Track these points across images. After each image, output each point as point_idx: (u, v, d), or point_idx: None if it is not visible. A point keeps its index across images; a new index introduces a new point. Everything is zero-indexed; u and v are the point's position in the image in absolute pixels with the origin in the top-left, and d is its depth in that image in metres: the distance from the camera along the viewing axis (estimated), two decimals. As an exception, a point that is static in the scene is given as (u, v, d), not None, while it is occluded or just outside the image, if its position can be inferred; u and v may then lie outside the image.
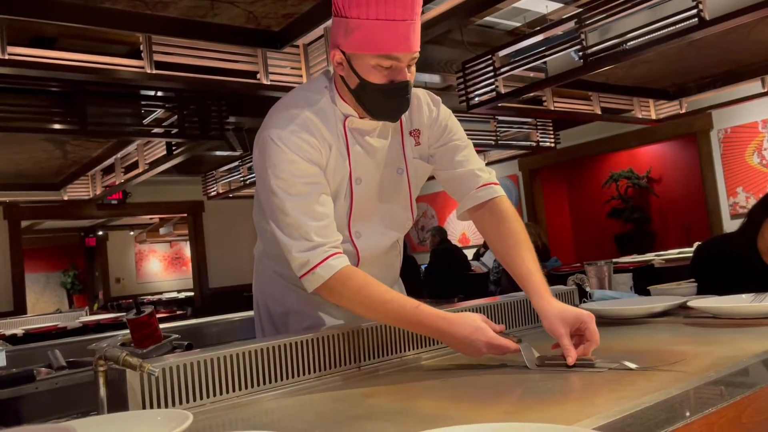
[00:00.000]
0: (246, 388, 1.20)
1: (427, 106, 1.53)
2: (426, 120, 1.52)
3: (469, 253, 7.84)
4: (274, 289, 1.66)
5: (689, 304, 1.62)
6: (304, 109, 1.38)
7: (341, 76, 1.38)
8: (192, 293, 9.75)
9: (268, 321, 1.66)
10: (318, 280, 1.30)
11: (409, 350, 1.43)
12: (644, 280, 2.37)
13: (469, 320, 1.24)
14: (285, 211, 1.32)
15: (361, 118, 1.43)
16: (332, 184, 1.41)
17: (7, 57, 3.06)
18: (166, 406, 1.09)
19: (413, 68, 1.37)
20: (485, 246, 7.45)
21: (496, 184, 1.52)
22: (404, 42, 1.30)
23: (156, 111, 4.54)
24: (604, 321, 1.71)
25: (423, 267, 7.40)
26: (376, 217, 1.51)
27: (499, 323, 1.62)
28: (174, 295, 11.35)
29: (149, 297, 11.33)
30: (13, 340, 3.58)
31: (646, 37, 3.63)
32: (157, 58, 3.44)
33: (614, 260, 5.06)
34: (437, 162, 1.55)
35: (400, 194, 1.53)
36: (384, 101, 1.37)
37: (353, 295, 1.30)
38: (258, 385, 1.21)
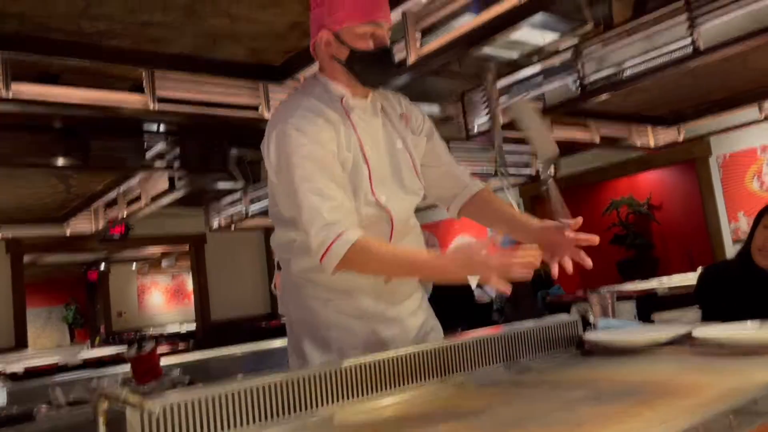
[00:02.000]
0: (248, 424, 1.18)
1: (408, 102, 1.70)
2: (413, 111, 1.68)
3: (472, 281, 7.80)
4: (309, 302, 1.62)
5: (694, 334, 1.61)
6: (304, 98, 1.52)
7: (331, 55, 1.52)
8: (194, 326, 9.70)
9: (309, 339, 1.61)
10: (336, 257, 1.36)
11: (410, 383, 1.42)
12: (648, 307, 2.36)
13: (467, 250, 1.35)
14: (302, 192, 1.40)
15: (353, 96, 1.55)
16: (348, 155, 1.49)
17: (11, 96, 3.09)
18: (167, 445, 1.08)
19: (388, 36, 1.54)
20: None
21: (473, 178, 1.72)
22: (381, 10, 1.49)
23: (158, 144, 4.58)
24: (608, 351, 1.69)
25: (425, 296, 7.35)
26: (391, 182, 1.58)
27: (503, 354, 1.61)
28: (176, 327, 11.28)
29: (151, 330, 11.27)
30: (13, 378, 3.55)
31: (643, 66, 3.67)
32: (160, 93, 3.48)
33: (617, 287, 5.04)
34: (427, 155, 1.67)
35: (405, 163, 1.62)
36: (373, 66, 1.52)
37: (371, 259, 1.39)
38: (260, 420, 1.20)
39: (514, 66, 4.32)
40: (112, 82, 3.81)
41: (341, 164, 1.47)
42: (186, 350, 5.22)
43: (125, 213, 6.20)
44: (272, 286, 1.90)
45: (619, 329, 1.83)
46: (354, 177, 1.49)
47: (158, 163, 4.65)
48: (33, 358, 4.37)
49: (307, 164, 1.41)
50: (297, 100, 1.52)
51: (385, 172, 1.57)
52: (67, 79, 3.70)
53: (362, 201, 1.50)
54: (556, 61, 3.94)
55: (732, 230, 6.46)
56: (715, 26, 3.23)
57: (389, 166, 1.58)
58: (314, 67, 3.74)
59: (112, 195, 6.30)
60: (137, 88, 3.58)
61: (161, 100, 3.49)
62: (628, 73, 3.80)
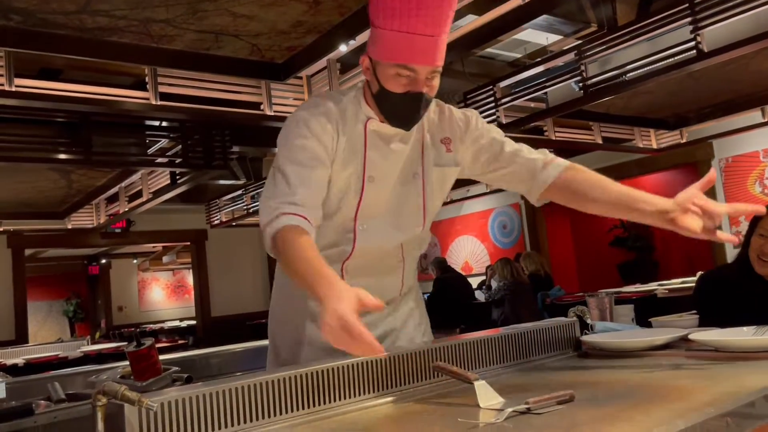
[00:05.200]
0: (246, 422, 1.19)
1: (464, 116, 1.60)
2: (463, 128, 1.58)
3: (474, 281, 7.81)
4: (291, 315, 1.65)
5: (690, 337, 1.61)
6: (329, 102, 1.48)
7: (367, 80, 1.47)
8: (194, 321, 9.73)
9: (283, 350, 1.65)
10: (276, 226, 1.30)
11: (407, 384, 1.43)
12: (646, 310, 2.36)
13: (338, 290, 1.12)
14: (285, 173, 1.38)
15: (382, 122, 1.50)
16: (340, 176, 1.47)
17: (14, 89, 3.10)
18: (164, 442, 1.08)
19: (436, 80, 1.43)
20: (492, 276, 7.43)
21: (554, 160, 1.57)
22: (422, 55, 1.37)
23: (160, 141, 4.59)
24: (605, 354, 1.70)
25: (426, 296, 7.37)
26: (384, 216, 1.54)
27: (501, 355, 1.61)
28: (176, 323, 11.31)
29: (151, 326, 11.29)
30: (13, 370, 3.57)
31: (646, 69, 3.68)
32: (162, 89, 3.49)
33: (617, 290, 5.04)
34: (487, 164, 1.59)
35: (412, 197, 1.57)
36: (398, 109, 1.44)
37: (284, 248, 1.28)
38: (258, 419, 1.21)
39: (516, 66, 4.33)
40: (115, 79, 3.83)
41: (334, 172, 1.46)
42: (186, 346, 5.23)
43: (126, 208, 6.22)
44: None
45: (617, 332, 1.84)
46: (341, 200, 1.48)
47: (160, 160, 4.66)
48: (34, 351, 4.39)
49: (300, 152, 1.41)
50: (324, 98, 1.50)
51: (380, 209, 1.53)
52: (69, 75, 3.72)
53: (339, 220, 1.49)
54: (559, 62, 3.94)
55: (733, 233, 6.46)
56: (718, 29, 3.23)
57: (389, 200, 1.54)
58: (317, 65, 3.77)
59: (113, 190, 6.31)
60: (140, 84, 3.59)
61: (163, 96, 3.50)
62: (631, 75, 3.81)
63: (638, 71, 3.74)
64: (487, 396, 1.20)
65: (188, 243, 9.47)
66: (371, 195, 1.50)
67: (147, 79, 3.47)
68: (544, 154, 1.58)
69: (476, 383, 1.21)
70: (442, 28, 1.37)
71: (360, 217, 1.50)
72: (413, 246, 1.64)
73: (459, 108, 1.66)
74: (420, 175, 1.57)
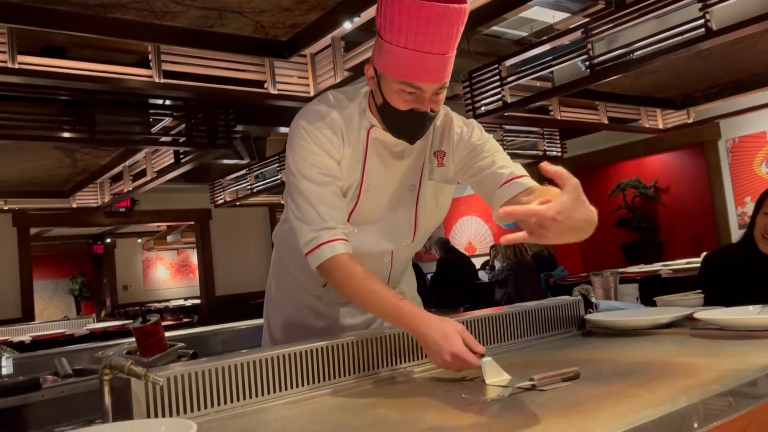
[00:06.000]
0: (251, 397, 1.20)
1: (459, 128, 1.53)
2: (455, 141, 1.52)
3: (477, 262, 7.82)
4: (286, 297, 1.69)
5: (695, 315, 1.61)
6: (333, 110, 1.46)
7: (372, 90, 1.45)
8: (199, 301, 9.78)
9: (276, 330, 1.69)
10: (321, 257, 1.36)
11: (411, 361, 1.43)
12: (651, 290, 2.36)
13: (443, 326, 1.24)
14: (303, 193, 1.40)
15: (385, 130, 1.48)
16: (343, 183, 1.47)
17: (17, 66, 3.09)
18: (171, 416, 1.09)
19: (442, 95, 1.39)
20: (496, 256, 7.43)
21: (520, 177, 1.43)
22: (429, 74, 1.33)
23: (164, 120, 4.57)
24: (610, 332, 1.70)
25: (429, 276, 7.39)
26: (375, 225, 1.54)
27: (505, 333, 1.62)
28: (181, 302, 11.38)
29: (156, 304, 11.37)
30: (20, 347, 3.60)
31: (654, 47, 3.63)
32: (166, 67, 3.47)
33: (621, 270, 5.04)
34: (467, 171, 1.53)
35: (406, 209, 1.56)
36: (401, 125, 1.42)
37: (345, 280, 1.35)
38: (263, 394, 1.21)
39: (522, 45, 4.28)
40: (118, 56, 3.80)
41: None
42: (191, 324, 5.26)
43: (131, 187, 6.22)
44: None
45: (621, 311, 1.84)
46: None
47: (164, 139, 4.65)
48: (40, 328, 4.42)
49: (313, 169, 1.41)
50: (329, 106, 1.47)
51: (372, 216, 1.53)
52: (72, 53, 3.69)
53: None
54: (565, 40, 3.89)
55: (738, 215, 6.44)
56: (728, 7, 3.18)
57: (382, 210, 1.54)
58: (321, 43, 3.73)
59: (117, 169, 6.31)
60: (143, 62, 3.57)
61: (167, 74, 3.47)
62: (638, 53, 3.76)
63: (646, 50, 3.69)
64: (493, 372, 1.20)
65: (192, 222, 9.49)
66: (366, 203, 1.50)
67: (150, 56, 3.45)
68: (512, 168, 1.46)
69: (483, 360, 1.21)
70: (452, 45, 1.32)
71: (351, 222, 1.49)
72: (403, 255, 1.65)
73: (466, 116, 1.61)
74: (416, 188, 1.56)
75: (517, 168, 1.47)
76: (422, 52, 1.29)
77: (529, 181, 1.43)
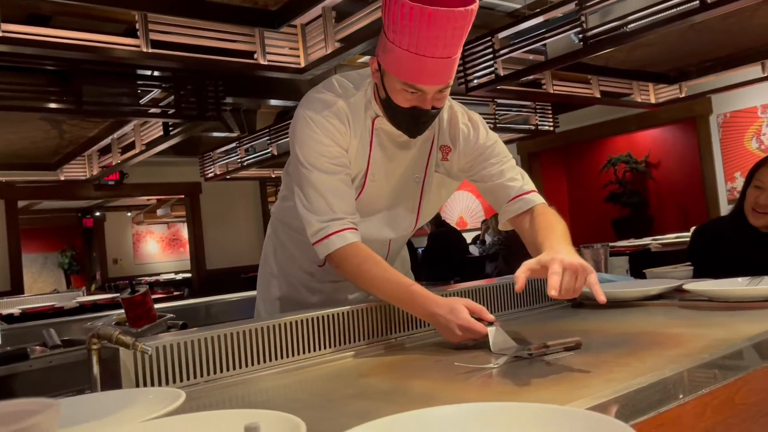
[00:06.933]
0: (241, 367, 1.20)
1: (465, 126, 1.54)
2: (461, 141, 1.53)
3: (468, 237, 7.84)
4: (281, 273, 1.70)
5: (685, 287, 1.62)
6: (339, 98, 1.45)
7: (375, 83, 1.44)
8: (189, 274, 9.77)
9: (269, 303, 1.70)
10: (330, 247, 1.36)
11: (403, 331, 1.44)
12: (641, 263, 2.37)
13: (449, 302, 1.27)
14: (312, 183, 1.39)
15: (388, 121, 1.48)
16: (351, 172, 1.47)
17: (1, 34, 3.02)
18: (160, 385, 1.09)
19: (445, 93, 1.39)
20: (487, 231, 7.45)
21: (529, 193, 1.50)
22: (431, 77, 1.32)
23: (152, 91, 4.50)
24: (599, 304, 1.70)
25: (420, 250, 7.41)
26: (378, 214, 1.55)
27: (495, 305, 1.62)
28: (171, 276, 11.37)
29: (147, 278, 11.35)
30: (9, 319, 3.59)
31: (647, 20, 3.60)
32: (153, 36, 3.40)
33: (611, 244, 5.06)
34: (474, 175, 1.56)
35: (410, 200, 1.58)
36: (403, 121, 1.43)
37: (354, 268, 1.36)
38: (253, 364, 1.21)
39: (515, 17, 4.23)
40: (105, 26, 3.73)
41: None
42: (181, 297, 5.26)
43: (119, 160, 6.16)
44: None
45: (611, 283, 1.84)
46: None
47: (152, 110, 4.59)
48: (29, 301, 4.41)
49: (322, 158, 1.40)
50: (334, 93, 1.45)
51: (378, 204, 1.54)
52: (58, 21, 3.61)
53: None
54: (558, 12, 3.85)
55: (728, 190, 6.47)
56: (722, -21, 3.15)
57: (386, 199, 1.54)
58: (312, 13, 3.67)
59: (106, 141, 6.24)
60: (130, 32, 3.50)
61: (154, 44, 3.41)
62: (632, 26, 3.73)
63: (639, 22, 3.66)
64: (500, 341, 1.21)
65: (182, 196, 9.43)
66: (370, 193, 1.51)
67: (137, 25, 3.38)
68: (521, 182, 1.52)
69: (489, 328, 1.22)
70: (456, 48, 1.31)
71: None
72: (402, 241, 1.67)
73: (465, 106, 1.60)
74: (421, 179, 1.57)
75: (526, 180, 1.54)
76: (425, 56, 1.28)
77: (537, 198, 1.50)
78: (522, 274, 1.17)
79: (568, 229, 1.37)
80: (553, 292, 1.10)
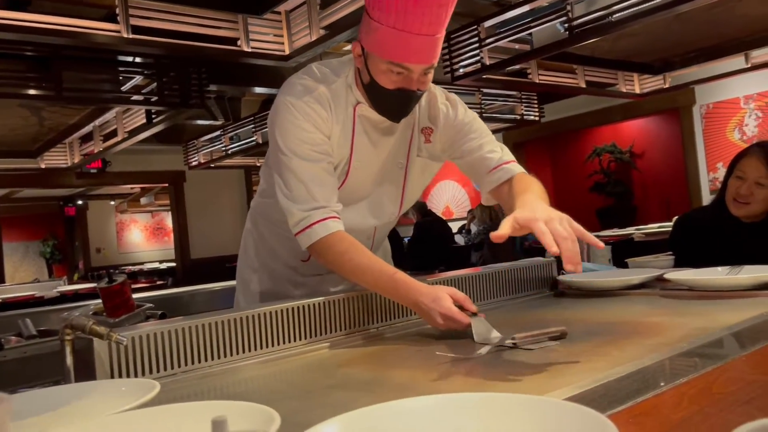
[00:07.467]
0: (219, 358, 1.18)
1: (444, 106, 1.53)
2: (441, 120, 1.53)
3: (454, 226, 7.85)
4: (262, 268, 1.68)
5: (665, 276, 1.62)
6: (320, 84, 1.42)
7: (358, 67, 1.42)
8: (174, 264, 9.70)
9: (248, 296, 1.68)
10: (313, 237, 1.34)
11: (384, 321, 1.43)
12: (623, 253, 2.38)
13: (433, 290, 1.26)
14: (293, 170, 1.37)
15: (371, 107, 1.46)
16: (333, 160, 1.45)
17: (-24, 18, 2.95)
18: (136, 376, 1.07)
19: (430, 75, 1.38)
20: (472, 220, 7.46)
21: (508, 162, 1.49)
22: (417, 54, 1.31)
23: (134, 78, 4.44)
24: (582, 293, 1.71)
25: (406, 239, 7.41)
26: (362, 202, 1.54)
27: (478, 294, 1.62)
28: (156, 265, 11.28)
29: (130, 267, 11.26)
30: (-12, 309, 3.54)
31: (633, 9, 3.60)
32: (134, 22, 3.35)
33: (595, 234, 5.08)
34: (455, 152, 1.55)
35: (393, 186, 1.57)
36: (388, 104, 1.41)
37: (337, 257, 1.34)
38: (231, 354, 1.20)
39: (501, 6, 4.21)
40: (86, 11, 3.66)
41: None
42: (164, 286, 5.22)
43: (101, 147, 6.08)
44: None
45: (593, 272, 1.85)
46: None
47: (134, 97, 4.53)
48: (9, 290, 4.35)
49: (303, 145, 1.37)
50: (315, 80, 1.42)
51: (362, 191, 1.52)
52: (37, 6, 3.54)
53: None
54: (544, 1, 3.84)
55: (710, 180, 6.52)
56: (707, -31, 3.16)
57: (369, 187, 1.52)
58: (296, 0, 3.63)
59: (87, 129, 6.16)
60: (111, 17, 3.43)
61: (136, 29, 3.35)
62: (617, 16, 3.73)
63: (625, 12, 3.67)
64: (482, 331, 1.20)
65: (166, 184, 9.35)
66: (354, 181, 1.49)
67: (118, 10, 3.32)
68: (500, 153, 1.51)
69: (473, 318, 1.21)
70: (442, 26, 1.30)
71: (339, 199, 1.47)
72: (385, 229, 1.66)
73: (444, 89, 1.59)
74: (404, 165, 1.55)
75: (505, 152, 1.53)
76: (411, 33, 1.27)
77: (516, 167, 1.49)
78: (507, 225, 1.11)
79: (546, 192, 1.34)
80: (554, 248, 1.06)
